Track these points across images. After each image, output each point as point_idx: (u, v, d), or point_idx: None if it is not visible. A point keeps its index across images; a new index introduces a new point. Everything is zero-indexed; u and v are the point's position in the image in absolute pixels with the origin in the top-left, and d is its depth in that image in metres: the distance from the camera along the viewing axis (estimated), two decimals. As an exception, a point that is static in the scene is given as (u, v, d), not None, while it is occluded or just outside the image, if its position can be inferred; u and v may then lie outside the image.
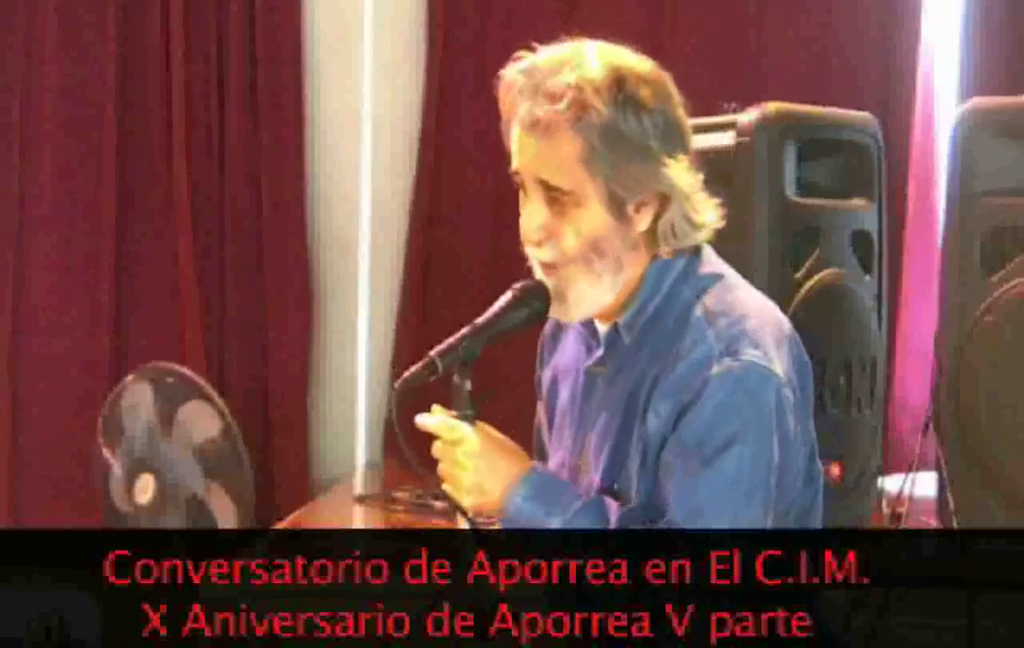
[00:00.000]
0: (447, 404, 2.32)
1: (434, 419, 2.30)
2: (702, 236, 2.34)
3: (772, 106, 3.66)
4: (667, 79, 2.34)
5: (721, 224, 2.36)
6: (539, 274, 2.34)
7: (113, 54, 5.00)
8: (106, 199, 5.02)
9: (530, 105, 2.28)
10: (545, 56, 2.31)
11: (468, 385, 2.30)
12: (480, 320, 2.33)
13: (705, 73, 4.65)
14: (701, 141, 3.40)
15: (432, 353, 2.28)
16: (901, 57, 4.72)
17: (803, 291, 3.61)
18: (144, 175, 5.06)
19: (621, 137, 2.26)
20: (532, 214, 2.31)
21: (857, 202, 3.82)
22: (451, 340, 2.30)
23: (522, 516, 2.28)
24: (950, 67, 4.68)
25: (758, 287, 3.44)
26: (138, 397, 4.50)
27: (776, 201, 3.61)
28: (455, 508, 2.31)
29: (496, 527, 2.36)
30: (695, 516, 2.20)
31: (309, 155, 5.07)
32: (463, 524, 2.32)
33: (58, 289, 5.06)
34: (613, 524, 2.25)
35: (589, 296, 2.32)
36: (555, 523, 2.26)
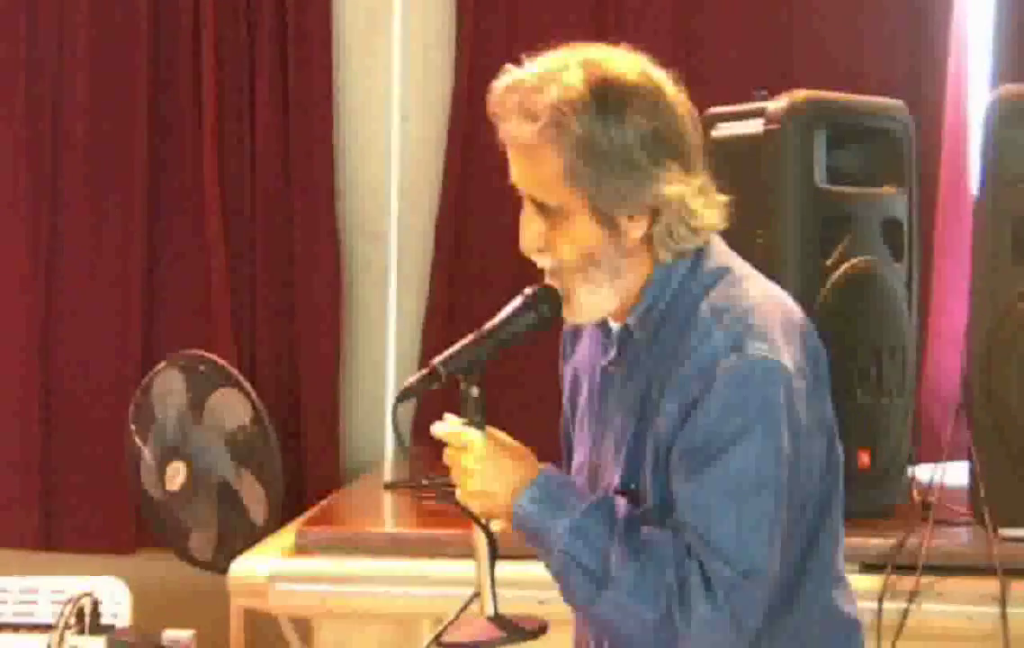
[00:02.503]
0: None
1: (443, 426, 2.30)
2: (702, 239, 2.31)
3: (802, 93, 3.65)
4: (662, 82, 2.29)
5: (724, 225, 2.33)
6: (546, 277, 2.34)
7: (144, 41, 5.02)
8: (137, 187, 5.04)
9: (510, 125, 2.29)
10: (531, 70, 2.29)
11: (475, 391, 2.29)
12: (486, 326, 2.33)
13: (735, 61, 4.64)
14: (731, 129, 3.42)
15: (435, 360, 2.29)
16: (932, 43, 4.70)
17: (833, 278, 3.60)
18: (174, 164, 5.07)
19: (601, 152, 2.24)
20: (527, 225, 2.33)
21: (887, 189, 3.81)
22: (455, 347, 2.30)
23: (529, 519, 2.26)
24: (981, 53, 4.66)
25: (788, 275, 3.46)
26: (169, 385, 4.52)
27: (806, 189, 3.60)
28: (466, 514, 2.31)
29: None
30: (702, 512, 2.19)
31: (339, 143, 5.08)
32: (476, 530, 2.31)
33: (89, 277, 5.08)
34: (622, 523, 2.23)
35: (591, 302, 2.32)
36: (562, 526, 2.23)
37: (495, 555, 2.31)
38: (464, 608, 2.41)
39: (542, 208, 2.30)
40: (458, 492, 2.31)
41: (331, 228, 5.04)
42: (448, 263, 4.98)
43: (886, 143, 3.81)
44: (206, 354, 4.58)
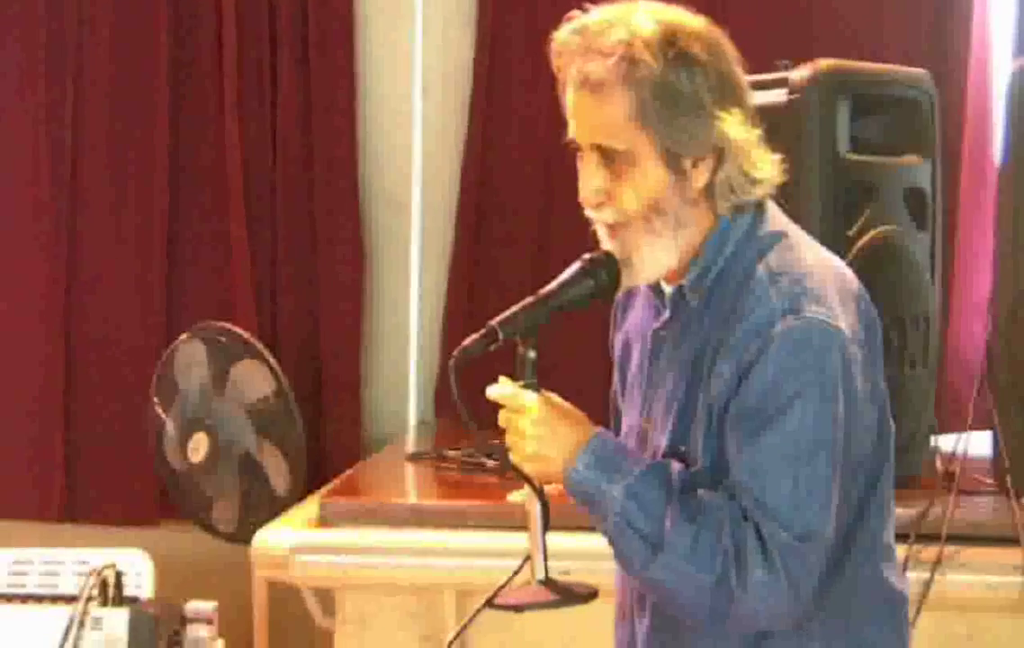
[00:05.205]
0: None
1: (499, 389, 2.29)
2: (761, 191, 2.32)
3: (824, 62, 3.64)
4: (720, 35, 2.32)
5: (781, 179, 2.34)
6: (603, 239, 2.33)
7: (165, 14, 5.02)
8: (159, 160, 5.04)
9: (582, 62, 2.28)
10: (596, 16, 2.31)
11: (532, 354, 2.29)
12: (544, 290, 2.32)
13: (757, 30, 4.62)
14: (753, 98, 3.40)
15: (493, 322, 2.27)
16: (955, 11, 4.68)
17: (856, 248, 3.59)
18: (196, 135, 5.08)
19: (673, 92, 2.25)
20: (589, 178, 2.30)
21: (910, 158, 3.79)
22: (513, 309, 2.29)
23: (584, 483, 2.26)
24: (1005, 21, 4.64)
25: (811, 244, 3.41)
26: (192, 356, 4.53)
27: (829, 158, 3.60)
28: (520, 477, 2.30)
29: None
30: (758, 475, 2.19)
31: (361, 114, 5.08)
32: (527, 493, 2.31)
33: (111, 249, 5.10)
34: (676, 487, 2.23)
35: (653, 257, 2.31)
36: (617, 490, 2.23)
37: (547, 519, 2.30)
38: (516, 572, 2.42)
39: (607, 155, 2.28)
40: (512, 455, 2.30)
41: (353, 199, 5.04)
42: (471, 233, 4.97)
43: (909, 112, 3.80)
44: (228, 325, 4.59)
